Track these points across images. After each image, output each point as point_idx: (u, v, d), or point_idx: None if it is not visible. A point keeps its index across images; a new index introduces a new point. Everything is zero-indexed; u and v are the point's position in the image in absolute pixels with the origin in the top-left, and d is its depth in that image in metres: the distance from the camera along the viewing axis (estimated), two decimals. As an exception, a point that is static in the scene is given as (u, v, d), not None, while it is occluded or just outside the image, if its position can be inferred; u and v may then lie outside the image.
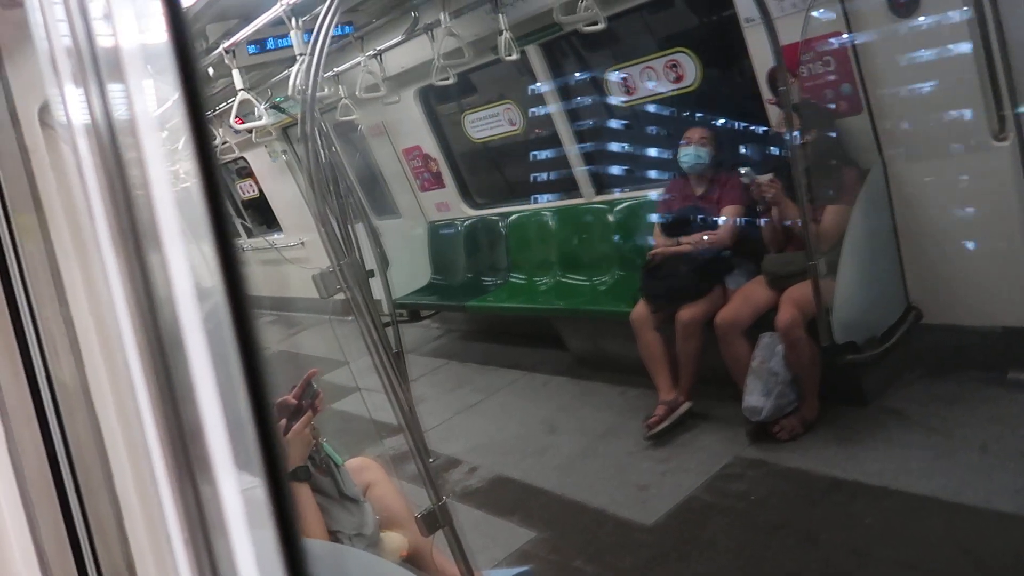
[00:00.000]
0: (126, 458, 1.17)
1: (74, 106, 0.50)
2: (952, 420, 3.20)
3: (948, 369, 3.51)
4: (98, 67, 0.44)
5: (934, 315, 3.54)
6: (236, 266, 0.36)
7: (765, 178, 3.46)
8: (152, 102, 0.44)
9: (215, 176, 0.37)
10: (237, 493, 0.41)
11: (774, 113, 3.74)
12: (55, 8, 0.49)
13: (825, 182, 3.47)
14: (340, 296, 2.16)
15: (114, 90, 0.44)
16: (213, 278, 0.36)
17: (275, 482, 0.38)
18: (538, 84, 4.93)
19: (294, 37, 3.15)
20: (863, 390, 3.51)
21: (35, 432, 1.05)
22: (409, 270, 6.38)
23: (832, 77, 3.48)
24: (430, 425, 4.46)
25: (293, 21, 3.22)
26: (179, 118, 0.40)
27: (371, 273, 4.51)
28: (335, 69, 5.40)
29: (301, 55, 3.19)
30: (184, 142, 0.41)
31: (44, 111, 1.08)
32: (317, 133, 2.33)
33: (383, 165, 6.68)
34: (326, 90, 5.29)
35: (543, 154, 5.40)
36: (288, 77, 4.11)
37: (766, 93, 3.75)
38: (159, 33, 0.41)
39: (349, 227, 3.53)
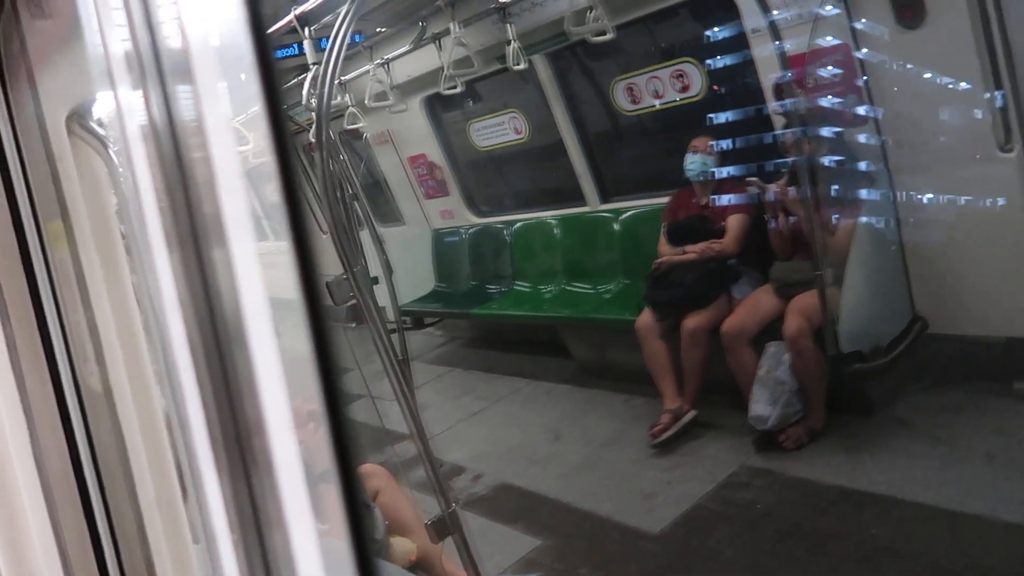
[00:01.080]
0: (146, 460, 1.18)
1: (128, 109, 0.51)
2: (958, 430, 3.20)
3: (954, 379, 3.50)
4: (161, 69, 0.44)
5: (940, 325, 3.54)
6: (311, 262, 0.37)
7: (773, 187, 3.47)
8: (212, 103, 0.45)
9: (291, 171, 0.37)
10: (303, 492, 0.41)
11: (780, 123, 3.74)
12: (113, 14, 0.50)
13: (838, 192, 3.47)
14: (350, 302, 2.16)
15: (178, 92, 0.45)
16: (288, 274, 0.36)
17: (348, 483, 0.39)
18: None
19: (307, 46, 3.17)
20: (869, 400, 3.50)
21: (59, 435, 1.05)
22: (413, 277, 6.38)
23: (838, 87, 3.49)
24: (434, 432, 4.45)
25: (305, 30, 3.23)
26: (243, 117, 0.40)
27: (375, 280, 4.51)
28: (343, 78, 5.42)
29: (314, 64, 3.21)
30: (244, 142, 0.41)
31: (71, 119, 1.09)
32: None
33: (388, 173, 6.69)
34: (337, 99, 5.31)
35: (548, 162, 5.42)
36: (295, 85, 4.13)
37: (773, 103, 3.76)
38: (222, 34, 0.42)
39: (355, 234, 3.54)
